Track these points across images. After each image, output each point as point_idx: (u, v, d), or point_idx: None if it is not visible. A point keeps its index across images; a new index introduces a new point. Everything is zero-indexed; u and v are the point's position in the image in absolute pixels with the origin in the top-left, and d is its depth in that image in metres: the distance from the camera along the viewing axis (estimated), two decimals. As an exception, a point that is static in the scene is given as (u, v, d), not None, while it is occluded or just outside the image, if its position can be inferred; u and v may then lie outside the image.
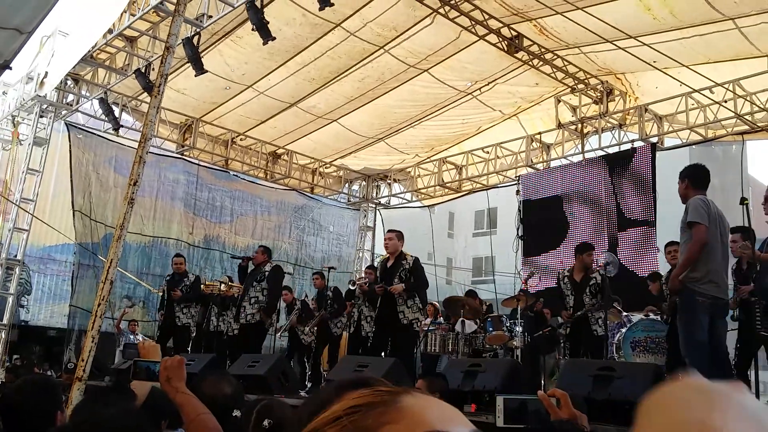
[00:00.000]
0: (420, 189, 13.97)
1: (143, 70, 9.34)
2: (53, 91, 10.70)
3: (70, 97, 11.13)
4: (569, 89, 10.79)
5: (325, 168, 14.30)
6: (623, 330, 7.60)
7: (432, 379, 4.75)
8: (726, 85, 9.19)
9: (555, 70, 10.29)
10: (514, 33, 9.65)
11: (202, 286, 9.57)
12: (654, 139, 10.30)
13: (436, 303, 10.58)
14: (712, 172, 5.18)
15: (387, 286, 7.16)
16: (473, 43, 9.78)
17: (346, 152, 13.42)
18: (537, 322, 8.31)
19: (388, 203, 15.18)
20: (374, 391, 0.63)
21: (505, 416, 1.78)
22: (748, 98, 9.22)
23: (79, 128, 11.58)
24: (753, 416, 0.37)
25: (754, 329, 5.10)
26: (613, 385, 4.52)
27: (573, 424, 1.74)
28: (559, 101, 10.88)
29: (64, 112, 11.21)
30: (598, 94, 10.69)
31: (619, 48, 8.55)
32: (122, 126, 11.18)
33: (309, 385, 8.92)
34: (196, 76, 8.79)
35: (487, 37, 9.58)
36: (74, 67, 10.02)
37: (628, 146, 10.58)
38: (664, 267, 7.87)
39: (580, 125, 10.96)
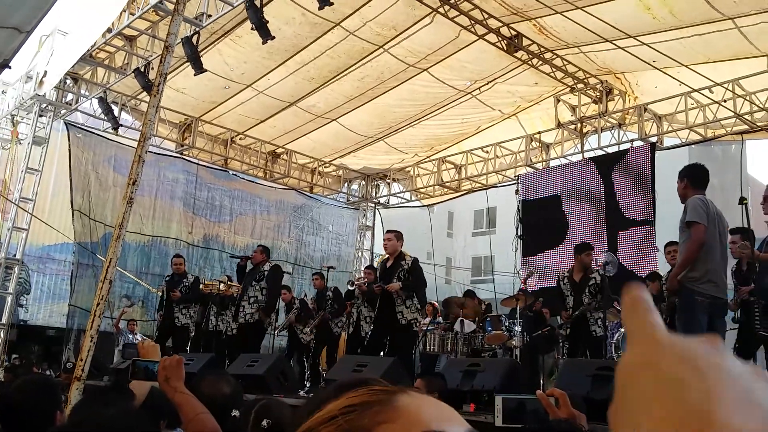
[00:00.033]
0: (419, 188, 13.97)
1: (142, 70, 9.34)
2: (52, 90, 10.70)
3: (70, 96, 11.13)
4: (568, 89, 10.79)
5: (325, 167, 14.30)
6: (622, 329, 7.59)
7: (431, 378, 4.76)
8: (725, 85, 9.20)
9: (554, 69, 10.29)
10: (514, 32, 9.65)
11: (201, 286, 9.56)
12: (653, 139, 10.30)
13: (435, 303, 10.58)
14: (712, 171, 5.18)
15: (384, 286, 7.17)
16: (473, 42, 9.78)
17: (345, 152, 13.42)
18: (536, 321, 8.31)
19: (388, 203, 15.17)
20: (370, 390, 0.63)
21: (504, 416, 1.78)
22: (748, 98, 9.22)
23: (79, 127, 11.58)
24: (748, 394, 0.37)
25: (754, 329, 5.10)
26: (612, 385, 4.51)
27: (571, 424, 1.74)
28: (559, 101, 10.88)
29: (63, 111, 11.21)
30: (598, 94, 10.70)
31: (619, 47, 8.55)
32: (121, 125, 11.17)
33: (308, 384, 8.92)
34: (195, 75, 8.78)
35: (486, 37, 9.58)
36: (73, 66, 10.02)
37: (627, 146, 10.58)
38: (663, 267, 7.87)
39: (579, 125, 10.96)
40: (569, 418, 1.77)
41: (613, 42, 8.52)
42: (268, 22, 7.78)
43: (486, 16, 9.25)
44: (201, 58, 8.61)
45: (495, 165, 12.39)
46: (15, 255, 10.78)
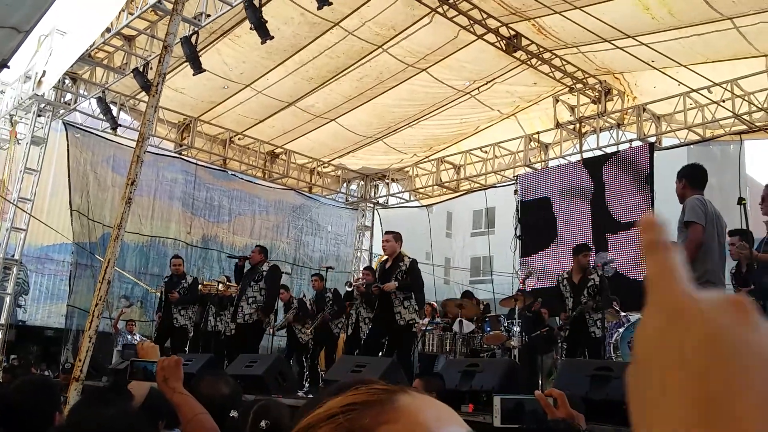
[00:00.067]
0: (418, 189, 13.97)
1: (141, 69, 9.33)
2: (51, 90, 10.69)
3: (68, 96, 11.12)
4: (567, 89, 10.80)
5: (323, 167, 14.29)
6: (621, 330, 7.60)
7: (429, 378, 4.76)
8: (724, 85, 9.21)
9: (553, 69, 10.29)
10: (513, 32, 9.66)
11: (199, 286, 9.55)
12: (652, 139, 10.31)
13: (434, 303, 10.58)
14: (710, 171, 5.18)
15: (380, 286, 7.18)
16: (471, 42, 9.78)
17: (344, 152, 13.42)
18: (535, 322, 8.31)
19: (386, 203, 15.17)
20: (371, 389, 0.63)
21: (503, 416, 1.78)
22: (746, 98, 9.23)
23: (77, 127, 11.57)
24: None
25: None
26: (610, 385, 4.52)
27: (570, 424, 1.74)
28: (558, 101, 10.89)
29: (61, 111, 11.20)
30: (597, 94, 10.70)
31: (618, 47, 8.56)
32: (120, 125, 11.16)
33: (307, 385, 8.91)
34: (194, 75, 8.78)
35: (485, 37, 9.58)
36: (72, 66, 10.01)
37: (626, 146, 10.60)
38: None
39: (578, 125, 10.97)
40: (568, 419, 1.76)
41: (612, 42, 8.52)
42: (267, 21, 7.77)
43: (485, 15, 9.25)
44: (200, 58, 8.61)
45: (494, 165, 12.40)
46: (13, 255, 10.77)
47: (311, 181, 14.20)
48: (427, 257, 14.61)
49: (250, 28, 7.95)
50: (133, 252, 12.37)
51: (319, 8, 7.48)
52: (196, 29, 8.37)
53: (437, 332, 8.61)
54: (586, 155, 11.03)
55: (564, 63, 10.25)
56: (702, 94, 9.44)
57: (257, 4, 7.70)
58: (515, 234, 11.25)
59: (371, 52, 10.03)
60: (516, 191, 11.57)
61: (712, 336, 0.36)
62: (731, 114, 9.33)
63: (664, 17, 8.31)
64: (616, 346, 7.47)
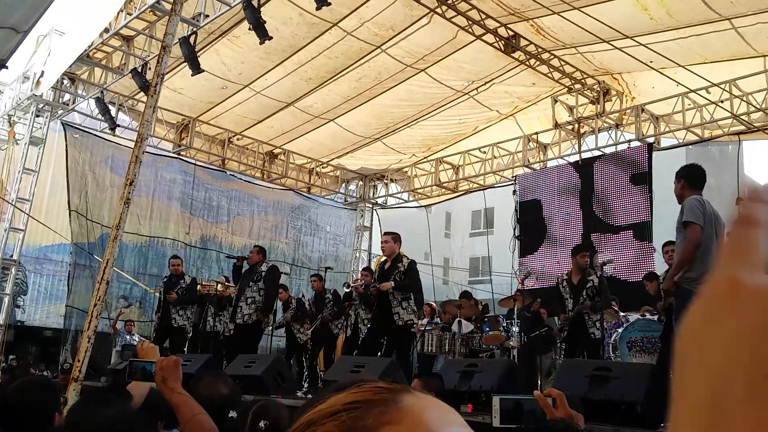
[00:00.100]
0: (417, 189, 13.97)
1: (140, 70, 9.33)
2: (49, 91, 10.68)
3: (67, 97, 11.11)
4: (566, 89, 10.80)
5: (322, 168, 14.29)
6: (620, 330, 7.61)
7: (428, 378, 4.76)
8: (722, 86, 9.22)
9: (552, 70, 10.30)
10: (511, 33, 9.66)
11: (198, 287, 9.54)
12: (650, 139, 10.32)
13: (433, 303, 10.58)
14: (709, 172, 5.18)
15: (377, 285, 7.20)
16: (470, 42, 9.78)
17: (343, 152, 13.42)
18: (534, 322, 8.31)
19: (385, 203, 15.17)
20: (374, 387, 0.63)
21: (502, 416, 1.78)
22: (745, 98, 9.24)
23: (76, 128, 11.56)
24: None
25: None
26: (609, 386, 4.52)
27: (569, 424, 1.75)
28: (556, 101, 10.90)
29: (60, 112, 11.19)
30: (595, 94, 10.71)
31: (616, 48, 8.56)
32: (119, 125, 11.16)
33: (306, 385, 8.91)
34: (192, 75, 8.78)
35: (483, 37, 9.58)
36: (70, 66, 10.01)
37: (624, 146, 10.61)
38: (660, 267, 7.88)
39: (576, 125, 10.98)
40: (566, 419, 1.77)
41: (611, 42, 8.52)
42: (265, 22, 7.77)
43: (483, 16, 9.26)
44: (198, 59, 8.61)
45: (492, 165, 12.40)
46: (12, 256, 10.76)
47: (310, 181, 14.20)
48: (426, 257, 14.61)
49: (249, 29, 7.95)
50: (132, 252, 12.36)
51: (317, 9, 7.48)
52: (194, 30, 8.37)
53: (436, 332, 8.61)
54: (583, 156, 11.04)
55: (562, 63, 10.25)
56: (700, 95, 9.44)
57: (256, 5, 7.70)
58: (514, 234, 11.27)
59: (370, 53, 10.04)
60: (515, 191, 11.59)
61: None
62: (730, 114, 9.34)
63: (663, 18, 8.32)
64: (615, 346, 7.48)
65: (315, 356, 9.89)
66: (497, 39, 9.65)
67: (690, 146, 11.22)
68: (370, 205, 15.15)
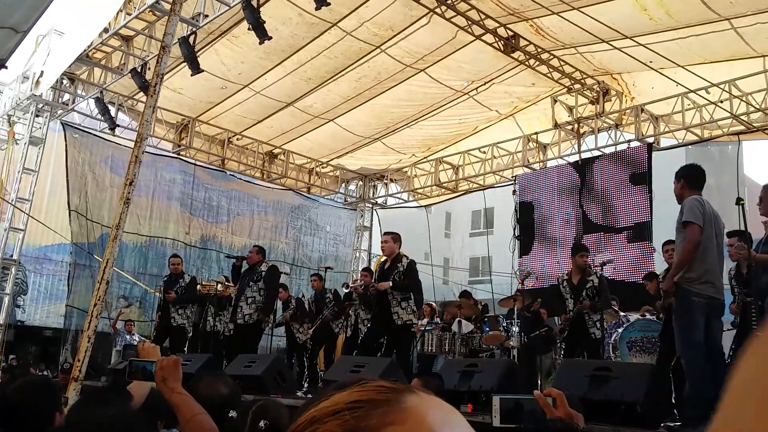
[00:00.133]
0: (417, 189, 13.97)
1: (139, 70, 9.33)
2: (49, 91, 10.68)
3: (66, 97, 11.11)
4: (566, 89, 10.81)
5: (322, 168, 14.29)
6: (620, 330, 7.60)
7: (427, 378, 4.76)
8: (722, 86, 9.22)
9: (551, 70, 10.30)
10: (511, 33, 9.66)
11: (198, 286, 9.55)
12: (650, 140, 10.33)
13: (433, 303, 10.58)
14: (708, 172, 5.18)
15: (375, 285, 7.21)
16: (470, 42, 9.78)
17: (342, 152, 13.42)
18: (534, 322, 8.31)
19: (385, 203, 15.18)
20: (377, 387, 0.62)
21: (502, 416, 1.78)
22: (744, 98, 9.24)
23: (75, 128, 11.56)
24: None
25: (750, 330, 5.10)
26: (609, 386, 4.53)
27: (568, 424, 1.75)
28: (556, 101, 10.90)
29: (59, 112, 11.19)
30: (595, 95, 10.72)
31: (616, 48, 8.56)
32: (118, 125, 11.16)
33: (306, 385, 8.91)
34: (192, 75, 8.77)
35: (483, 37, 9.58)
36: (70, 66, 10.01)
37: (624, 146, 10.62)
38: (660, 267, 7.88)
39: (576, 125, 10.98)
40: (566, 418, 1.77)
41: (610, 43, 8.52)
42: (265, 22, 7.77)
43: (483, 16, 9.26)
44: (198, 59, 8.61)
45: (492, 165, 12.40)
46: (12, 255, 10.76)
47: (310, 181, 14.20)
48: (426, 257, 14.62)
49: (249, 29, 7.95)
50: (132, 252, 12.36)
51: (317, 9, 7.48)
52: (194, 30, 8.37)
53: (436, 332, 8.61)
54: (583, 156, 11.05)
55: (562, 63, 10.26)
56: (700, 95, 9.44)
57: (255, 5, 7.70)
58: (514, 234, 11.28)
59: (369, 53, 10.04)
60: (514, 191, 11.59)
61: None
62: (729, 114, 9.34)
63: (662, 18, 8.32)
64: (615, 346, 7.48)
65: (315, 355, 9.90)
66: (497, 39, 9.66)
67: (690, 146, 11.23)
68: (370, 205, 15.15)
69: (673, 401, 5.77)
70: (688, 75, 8.83)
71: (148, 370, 2.24)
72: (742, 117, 9.35)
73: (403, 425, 0.58)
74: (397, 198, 14.97)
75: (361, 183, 14.99)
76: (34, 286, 15.35)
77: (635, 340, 7.42)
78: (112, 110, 11.00)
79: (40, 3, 4.09)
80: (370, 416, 0.58)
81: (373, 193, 15.09)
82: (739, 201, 4.96)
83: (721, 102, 9.33)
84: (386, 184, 14.79)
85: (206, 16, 8.22)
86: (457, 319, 8.24)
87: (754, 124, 9.41)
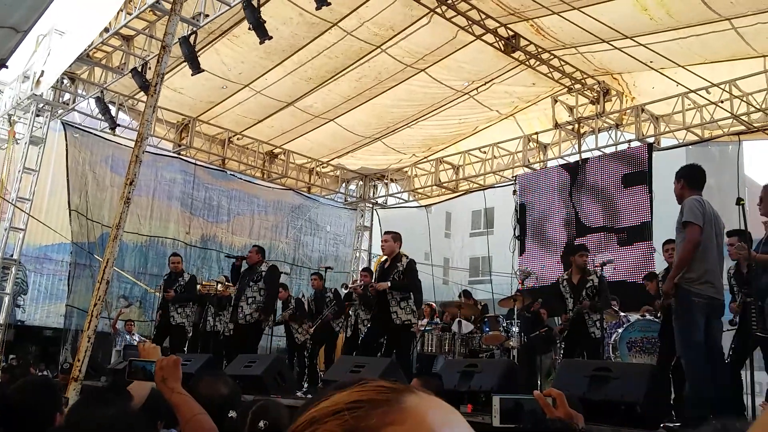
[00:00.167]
0: (417, 189, 13.97)
1: (140, 69, 9.33)
2: (49, 90, 10.68)
3: (67, 96, 11.11)
4: (566, 89, 10.80)
5: (322, 168, 14.29)
6: (620, 330, 7.60)
7: (427, 378, 4.76)
8: (722, 86, 9.21)
9: (552, 70, 10.29)
10: (511, 33, 9.66)
11: (198, 286, 9.55)
12: (650, 140, 10.32)
13: (433, 304, 10.58)
14: (709, 172, 5.18)
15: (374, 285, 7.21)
16: (470, 42, 9.78)
17: (343, 152, 13.42)
18: (534, 322, 8.31)
19: (385, 203, 15.17)
20: (377, 387, 0.62)
21: (502, 416, 1.78)
22: (745, 99, 9.24)
23: (76, 127, 11.56)
24: None
25: (750, 330, 5.10)
26: (609, 386, 4.52)
27: (568, 424, 1.75)
28: (556, 101, 10.89)
29: (60, 111, 11.19)
30: (595, 95, 10.71)
31: (616, 48, 8.56)
32: (119, 125, 11.16)
33: (306, 385, 8.91)
34: (192, 75, 8.77)
35: (483, 37, 9.58)
36: (70, 65, 10.01)
37: (624, 146, 10.62)
38: (660, 268, 7.87)
39: (576, 125, 10.98)
40: (566, 419, 1.77)
41: (611, 43, 8.52)
42: (265, 22, 7.77)
43: (483, 16, 9.26)
44: (198, 58, 8.61)
45: (492, 165, 12.40)
46: (12, 255, 10.76)
47: (310, 181, 14.20)
48: (426, 257, 14.62)
49: (249, 29, 7.95)
50: (132, 252, 12.36)
51: (317, 8, 7.48)
52: (194, 29, 8.37)
53: (436, 332, 8.61)
54: (583, 156, 11.05)
55: (562, 63, 10.25)
56: (700, 95, 9.44)
57: (256, 4, 7.70)
58: (514, 234, 11.27)
59: (370, 53, 10.03)
60: (515, 191, 11.59)
61: None
62: (729, 115, 9.34)
63: (663, 18, 8.32)
64: (615, 346, 7.48)
65: (315, 355, 9.90)
66: (497, 39, 9.65)
67: (690, 146, 11.23)
68: (370, 205, 15.15)
69: (672, 401, 5.77)
70: (689, 75, 8.83)
71: (147, 370, 2.23)
72: (743, 117, 9.35)
73: (403, 425, 0.58)
74: (398, 198, 14.97)
75: (361, 183, 14.99)
76: (35, 285, 15.35)
77: (635, 341, 7.42)
78: (113, 110, 11.00)
79: (40, 3, 4.09)
80: (370, 416, 0.58)
81: (374, 192, 15.09)
82: (739, 201, 4.96)
83: (722, 102, 9.32)
84: (386, 184, 14.79)
85: (207, 15, 8.22)
86: (457, 319, 8.25)
87: (755, 124, 9.41)
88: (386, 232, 7.56)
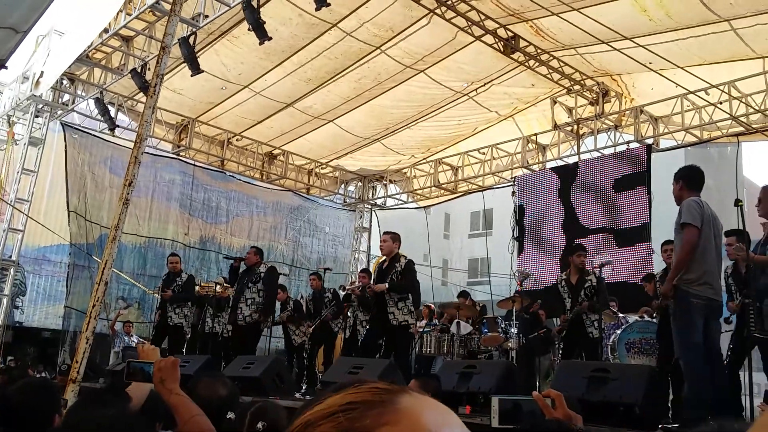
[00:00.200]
0: (416, 190, 13.97)
1: (139, 70, 9.33)
2: (49, 91, 10.68)
3: (66, 97, 11.11)
4: (565, 90, 10.81)
5: (321, 169, 14.29)
6: (618, 331, 7.61)
7: (425, 379, 4.76)
8: (721, 87, 9.21)
9: (551, 71, 10.30)
10: (510, 34, 9.67)
11: (197, 287, 9.54)
12: (649, 141, 10.33)
13: (432, 305, 10.57)
14: (707, 173, 5.18)
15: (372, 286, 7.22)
16: (469, 43, 9.79)
17: (342, 153, 13.42)
18: (532, 323, 8.31)
19: (384, 204, 15.17)
20: (372, 388, 0.62)
21: (500, 417, 1.78)
22: (743, 100, 9.24)
23: (75, 128, 11.56)
24: None
25: (748, 331, 5.10)
26: (607, 387, 4.53)
27: (566, 425, 1.75)
28: (555, 102, 10.90)
29: (59, 112, 11.19)
30: (594, 96, 10.72)
31: (615, 49, 8.56)
32: (118, 126, 11.16)
33: (304, 386, 8.90)
34: (192, 76, 8.78)
35: (483, 38, 9.59)
36: (70, 66, 10.00)
37: (623, 147, 10.62)
38: (659, 268, 7.87)
39: (576, 126, 10.98)
40: (565, 419, 1.77)
41: (610, 44, 8.52)
42: (265, 22, 7.77)
43: (483, 17, 9.26)
44: (198, 59, 8.61)
45: (491, 166, 12.40)
46: (10, 256, 10.76)
47: (309, 182, 14.20)
48: (425, 258, 14.60)
49: (249, 29, 7.95)
50: (131, 253, 12.35)
51: (317, 9, 7.48)
52: (194, 30, 8.37)
53: (435, 334, 8.61)
54: (582, 157, 11.06)
55: (562, 65, 10.26)
56: (699, 96, 9.45)
57: (255, 5, 7.70)
58: (513, 236, 11.27)
59: (369, 54, 10.04)
60: (514, 193, 11.59)
61: None
62: (728, 116, 9.34)
63: (662, 19, 8.32)
64: (614, 347, 7.48)
65: (314, 356, 9.89)
66: (496, 40, 9.66)
67: (689, 147, 11.23)
68: (369, 206, 15.15)
69: (670, 402, 5.77)
70: (688, 76, 8.82)
71: (146, 371, 2.23)
72: (742, 118, 9.35)
73: (398, 426, 0.58)
74: (397, 199, 14.96)
75: (360, 184, 14.99)
76: (33, 287, 15.34)
77: (634, 342, 7.42)
78: (112, 111, 11.00)
79: (40, 3, 4.09)
80: (365, 417, 0.58)
81: (373, 194, 15.09)
82: (737, 202, 4.96)
83: (721, 103, 9.33)
84: (385, 185, 14.79)
85: (206, 16, 8.22)
86: (456, 320, 8.25)
87: (754, 126, 9.41)
88: (385, 233, 7.57)
